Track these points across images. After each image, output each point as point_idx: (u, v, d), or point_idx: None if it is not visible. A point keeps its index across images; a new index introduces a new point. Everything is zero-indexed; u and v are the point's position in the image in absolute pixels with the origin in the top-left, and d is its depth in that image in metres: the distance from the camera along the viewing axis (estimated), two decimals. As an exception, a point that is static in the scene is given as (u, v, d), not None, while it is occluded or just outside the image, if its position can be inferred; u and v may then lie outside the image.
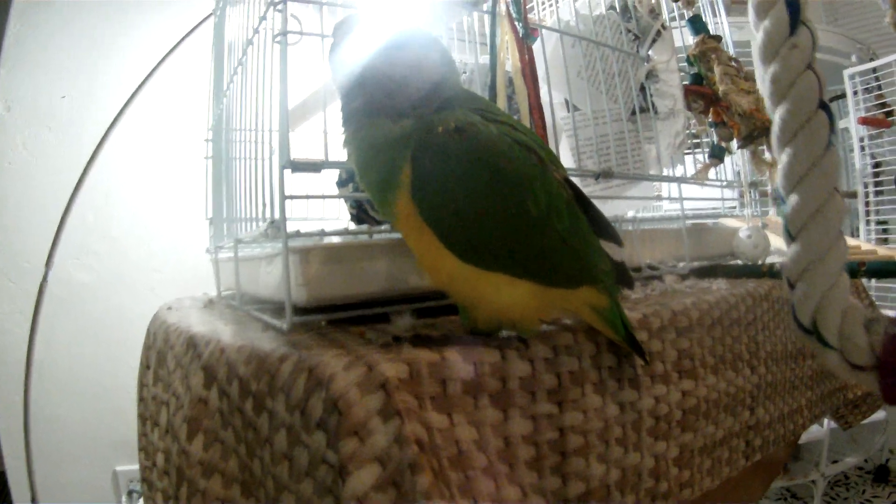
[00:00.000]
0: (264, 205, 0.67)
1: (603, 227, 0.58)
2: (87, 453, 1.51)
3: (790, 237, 0.51)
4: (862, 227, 2.12)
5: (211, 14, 1.23)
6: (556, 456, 0.54)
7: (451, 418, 0.47)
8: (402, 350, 0.48)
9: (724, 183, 1.14)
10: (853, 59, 2.30)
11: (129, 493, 1.51)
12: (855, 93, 2.10)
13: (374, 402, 0.42)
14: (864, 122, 2.06)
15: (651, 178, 0.94)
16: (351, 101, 0.53)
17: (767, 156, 1.05)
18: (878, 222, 2.12)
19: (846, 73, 2.10)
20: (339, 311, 0.62)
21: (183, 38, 1.60)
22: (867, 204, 2.11)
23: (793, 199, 0.49)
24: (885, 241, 2.11)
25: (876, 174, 2.13)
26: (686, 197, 0.99)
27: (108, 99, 1.56)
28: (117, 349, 1.52)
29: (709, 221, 1.21)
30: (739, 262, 1.12)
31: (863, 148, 2.11)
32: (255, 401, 0.51)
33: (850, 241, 1.62)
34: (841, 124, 2.40)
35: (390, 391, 0.43)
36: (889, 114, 2.09)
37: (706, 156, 1.08)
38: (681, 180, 1.00)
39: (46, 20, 1.52)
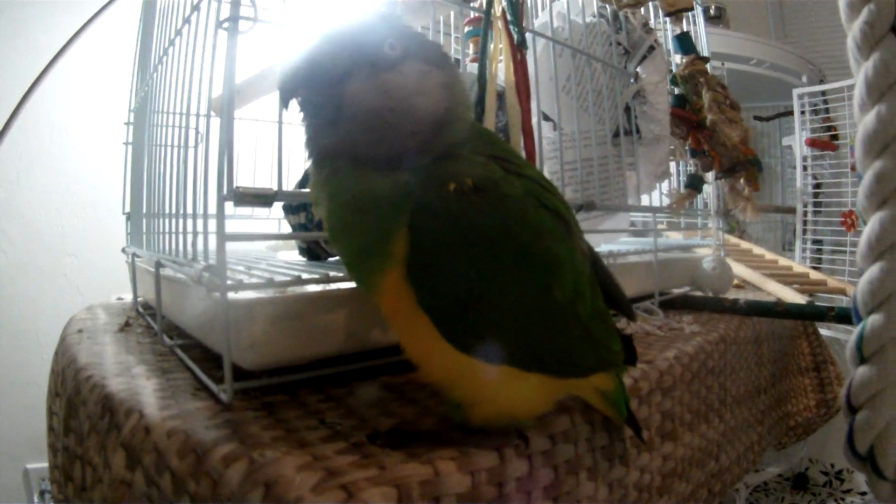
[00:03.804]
0: (195, 235, 0.55)
1: (615, 298, 0.49)
2: (-6, 450, 1.41)
3: (861, 358, 0.44)
4: (798, 245, 2.14)
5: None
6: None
7: (440, 539, 0.38)
8: (384, 462, 0.38)
9: (699, 213, 1.08)
10: (804, 79, 2.31)
11: (42, 493, 1.41)
12: (802, 112, 2.10)
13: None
14: (812, 143, 2.08)
15: (629, 208, 0.86)
16: (321, 138, 0.40)
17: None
18: (814, 241, 2.13)
19: (795, 92, 2.11)
20: (288, 374, 0.51)
21: (108, 3, 1.44)
22: (805, 223, 2.12)
23: (875, 319, 0.43)
24: (819, 260, 2.13)
25: (815, 194, 2.15)
26: (661, 229, 0.92)
27: (24, 65, 1.41)
28: (27, 340, 1.42)
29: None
30: (701, 293, 1.07)
31: (805, 167, 2.12)
32: (193, 503, 0.40)
33: (783, 262, 1.62)
34: (785, 141, 2.42)
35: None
36: (834, 137, 2.11)
37: (680, 184, 1.02)
38: (656, 210, 0.92)
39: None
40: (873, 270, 0.43)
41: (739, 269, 1.51)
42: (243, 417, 0.45)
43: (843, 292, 1.49)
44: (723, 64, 2.08)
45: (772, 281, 1.37)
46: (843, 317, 0.95)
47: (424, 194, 0.37)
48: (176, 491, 0.41)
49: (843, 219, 2.01)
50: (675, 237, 1.27)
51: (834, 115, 2.13)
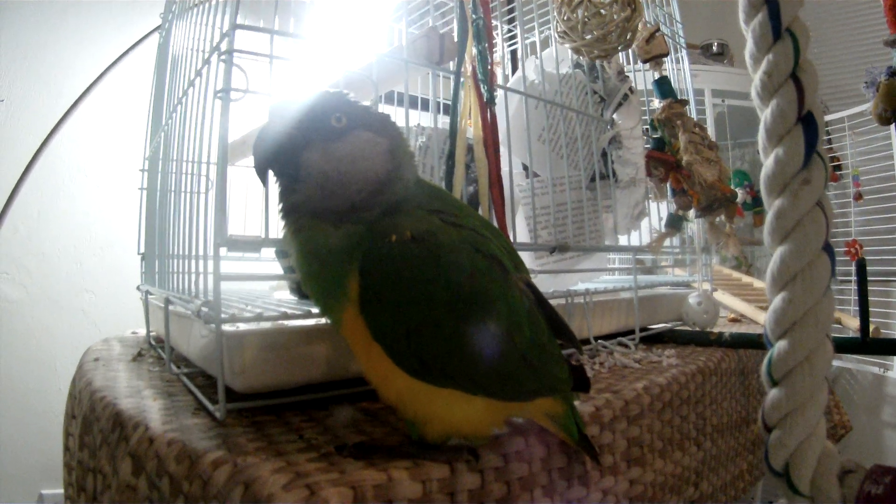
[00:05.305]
0: (197, 274, 0.62)
1: (561, 329, 0.54)
2: (12, 476, 1.44)
3: (772, 381, 0.48)
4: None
5: (157, 28, 1.16)
6: (500, 567, 0.51)
7: (393, 542, 0.44)
8: (346, 468, 0.44)
9: (678, 251, 1.13)
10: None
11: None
12: (805, 143, 2.12)
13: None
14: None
15: (606, 248, 0.91)
16: (288, 195, 0.47)
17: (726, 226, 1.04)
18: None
19: (800, 124, 2.12)
20: (276, 398, 0.58)
21: (128, 50, 1.53)
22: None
23: (781, 345, 0.47)
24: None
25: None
26: (640, 267, 0.97)
27: (46, 109, 1.48)
28: (45, 370, 1.46)
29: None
30: (688, 328, 1.11)
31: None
32: (186, 502, 0.47)
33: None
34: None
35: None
36: (837, 167, 2.13)
37: (661, 224, 1.06)
38: (636, 250, 0.97)
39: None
40: (777, 301, 0.47)
41: (736, 303, 1.55)
42: (233, 432, 0.52)
43: (837, 321, 1.51)
44: (723, 101, 2.13)
45: (764, 313, 1.40)
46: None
47: (371, 244, 0.45)
48: (173, 492, 0.47)
49: (847, 248, 2.02)
50: (680, 273, 1.31)
51: (836, 146, 2.16)
